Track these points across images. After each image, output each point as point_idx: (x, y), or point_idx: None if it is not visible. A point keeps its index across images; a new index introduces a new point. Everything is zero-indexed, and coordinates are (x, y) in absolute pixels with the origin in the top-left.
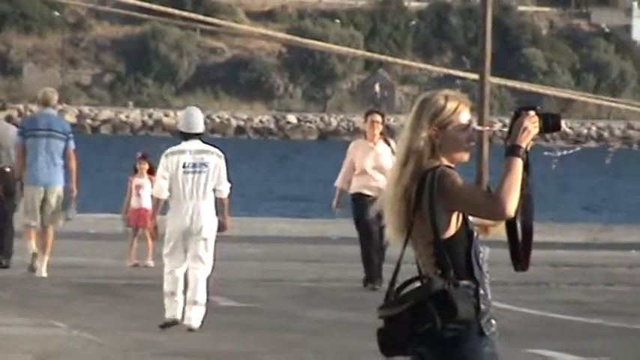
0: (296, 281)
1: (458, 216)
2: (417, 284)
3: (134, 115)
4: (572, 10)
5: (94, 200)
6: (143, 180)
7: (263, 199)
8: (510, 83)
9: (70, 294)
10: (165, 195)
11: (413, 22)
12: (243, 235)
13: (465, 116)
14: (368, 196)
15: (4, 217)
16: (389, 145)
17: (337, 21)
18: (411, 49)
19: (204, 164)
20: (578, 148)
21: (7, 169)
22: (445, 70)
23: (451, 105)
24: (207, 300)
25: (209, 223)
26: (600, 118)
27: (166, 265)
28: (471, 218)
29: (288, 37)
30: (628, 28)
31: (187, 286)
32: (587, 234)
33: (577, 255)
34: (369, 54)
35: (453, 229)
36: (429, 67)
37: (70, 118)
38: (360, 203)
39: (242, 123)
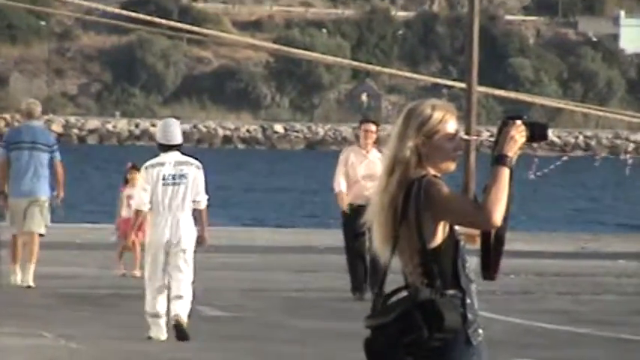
0: (282, 291)
1: (444, 225)
2: (404, 294)
3: (121, 125)
4: (559, 19)
5: (80, 210)
6: (133, 190)
7: (249, 209)
8: (497, 92)
9: (56, 304)
10: (146, 207)
11: (400, 32)
12: (230, 244)
13: (451, 126)
14: (359, 205)
15: None
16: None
17: (324, 30)
18: (398, 58)
19: (183, 176)
20: (565, 158)
21: None
22: (432, 80)
23: (438, 114)
24: (192, 300)
25: (188, 235)
26: (588, 127)
27: (146, 278)
28: (457, 227)
29: (275, 46)
30: (615, 37)
31: (170, 291)
32: (575, 243)
33: (565, 264)
34: (356, 63)
35: (439, 239)
36: (415, 76)
37: (57, 128)
38: (350, 212)
39: (229, 133)
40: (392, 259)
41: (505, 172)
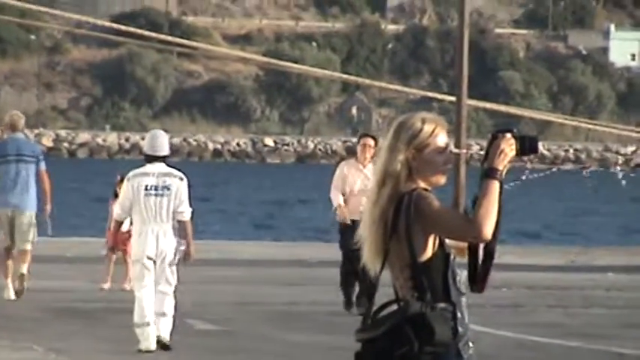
0: (272, 304)
1: (435, 239)
2: (394, 307)
3: (111, 138)
4: (549, 32)
5: (70, 224)
6: None
7: (238, 222)
8: (488, 105)
9: (46, 317)
10: (123, 217)
11: (390, 45)
12: (220, 258)
13: (442, 139)
14: (354, 220)
15: None
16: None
17: (314, 44)
18: (388, 71)
19: (167, 187)
20: (554, 169)
21: None
22: (422, 93)
23: (428, 128)
24: (174, 315)
25: (171, 247)
26: (578, 141)
27: (135, 289)
28: (447, 241)
29: (265, 59)
30: (605, 51)
31: (155, 301)
32: (565, 256)
33: (554, 277)
34: (345, 77)
35: (429, 252)
36: (406, 89)
37: (47, 141)
38: (346, 227)
39: (219, 146)
40: (382, 272)
41: (495, 186)
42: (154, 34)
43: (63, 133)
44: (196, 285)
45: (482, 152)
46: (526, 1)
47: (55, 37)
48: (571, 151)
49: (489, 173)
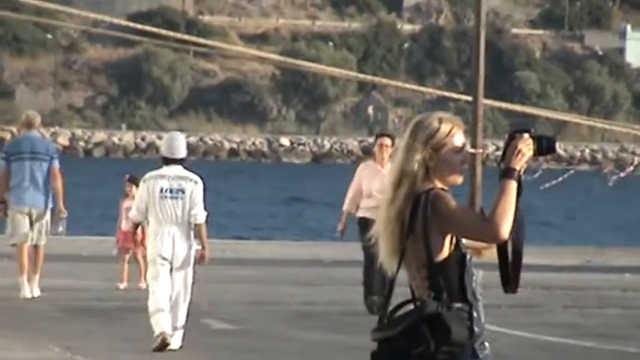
0: (288, 304)
1: (451, 239)
2: (411, 307)
3: (127, 137)
4: (565, 32)
5: (86, 222)
6: (132, 202)
7: (254, 221)
8: (504, 105)
9: (62, 316)
10: (140, 219)
11: (406, 45)
12: (236, 257)
13: (458, 139)
14: (375, 220)
15: None
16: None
17: (330, 44)
18: (405, 71)
19: (182, 190)
20: (571, 172)
21: None
22: (438, 93)
23: (445, 127)
24: (187, 321)
25: (187, 250)
26: (594, 141)
27: (150, 287)
28: (464, 241)
29: (281, 58)
30: (621, 51)
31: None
32: (581, 257)
33: (570, 278)
34: (362, 76)
35: (446, 252)
36: (422, 89)
37: (63, 140)
38: (366, 228)
39: (235, 146)
40: (398, 272)
41: (512, 186)
42: (170, 33)
43: (79, 132)
44: (212, 284)
45: (498, 152)
46: (542, 2)
47: (71, 36)
48: (587, 151)
49: (507, 173)
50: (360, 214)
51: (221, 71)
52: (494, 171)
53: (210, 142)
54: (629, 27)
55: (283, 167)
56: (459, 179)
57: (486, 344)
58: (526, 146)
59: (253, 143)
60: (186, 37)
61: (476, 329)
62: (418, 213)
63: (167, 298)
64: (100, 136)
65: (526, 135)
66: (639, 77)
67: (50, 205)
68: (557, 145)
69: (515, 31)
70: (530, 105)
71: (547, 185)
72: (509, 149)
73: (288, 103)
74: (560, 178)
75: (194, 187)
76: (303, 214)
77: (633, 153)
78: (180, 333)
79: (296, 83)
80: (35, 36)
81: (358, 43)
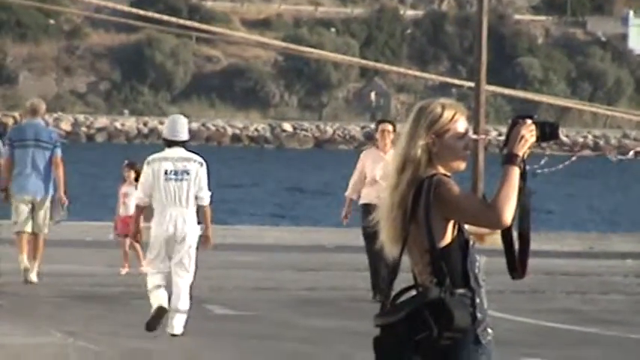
0: (291, 290)
1: (454, 224)
2: (413, 293)
3: (129, 123)
4: (567, 18)
5: (89, 208)
6: (130, 188)
7: (258, 207)
8: (506, 91)
9: (64, 302)
10: (146, 202)
11: (409, 31)
12: (238, 243)
13: (461, 125)
14: (376, 206)
15: None
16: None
17: (333, 29)
18: (407, 57)
19: (186, 172)
20: (573, 158)
21: None
22: (441, 79)
23: (448, 113)
24: (190, 307)
25: (191, 231)
26: (596, 127)
27: (150, 269)
28: (466, 227)
29: (284, 44)
30: (624, 37)
31: (170, 294)
32: (583, 243)
33: (573, 264)
34: (364, 62)
35: (449, 238)
36: (425, 75)
37: (65, 126)
38: (369, 214)
39: (238, 131)
40: (401, 258)
41: (515, 172)
42: (173, 19)
43: (81, 117)
44: (214, 270)
45: (500, 138)
46: None
47: (74, 21)
48: (589, 137)
49: (509, 159)
50: (363, 200)
51: (224, 57)
52: (497, 157)
53: (213, 128)
54: (631, 13)
55: (286, 153)
56: (462, 165)
57: (489, 330)
58: (529, 132)
59: (256, 129)
60: (188, 22)
61: (478, 315)
62: (421, 199)
63: (165, 277)
64: (102, 121)
65: (529, 121)
66: None
67: (51, 193)
68: (560, 131)
69: (517, 17)
70: (532, 91)
71: (546, 170)
72: (512, 135)
73: (290, 89)
74: (560, 165)
75: (199, 169)
76: (304, 201)
77: (635, 139)
78: (183, 317)
79: (298, 69)
80: (38, 21)
81: (360, 28)
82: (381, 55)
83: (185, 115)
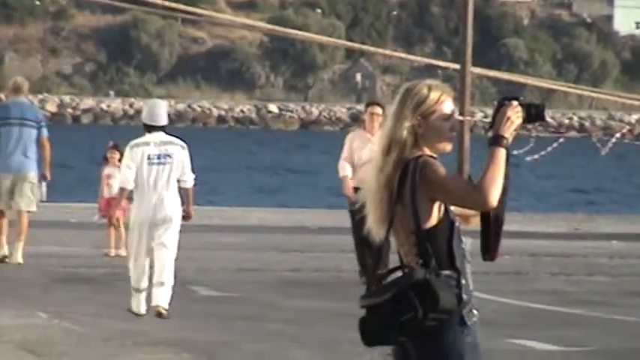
0: (276, 271)
1: (440, 206)
2: (399, 274)
3: (115, 104)
4: (553, 0)
5: (74, 189)
6: (113, 169)
7: (241, 188)
8: (491, 73)
9: (50, 283)
10: (130, 185)
11: (394, 12)
12: (223, 224)
13: (448, 106)
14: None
15: None
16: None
17: (318, 10)
18: (393, 39)
19: (168, 155)
20: (561, 140)
21: None
22: (426, 61)
23: (434, 95)
24: (175, 286)
25: (173, 213)
26: (582, 109)
27: (130, 257)
28: (452, 208)
29: (269, 26)
30: (609, 18)
31: (153, 270)
32: (569, 224)
33: (558, 245)
34: (350, 44)
35: (434, 219)
36: (410, 57)
37: (51, 107)
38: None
39: (223, 112)
40: (388, 239)
41: (501, 153)
42: (158, 1)
43: (67, 98)
44: (199, 251)
45: (486, 119)
46: None
47: (59, 2)
48: (575, 118)
49: (496, 140)
50: (353, 184)
51: (209, 38)
52: (482, 139)
53: (199, 109)
54: None
55: (271, 134)
56: (448, 146)
57: (474, 311)
58: (515, 114)
59: (241, 110)
60: (174, 4)
61: (464, 296)
62: (407, 180)
63: (147, 273)
64: (88, 102)
65: (515, 102)
66: (627, 45)
67: (36, 172)
68: (545, 112)
69: None
70: (518, 72)
71: (536, 157)
72: (498, 117)
73: (276, 70)
74: (549, 148)
75: (181, 152)
76: (289, 182)
77: (621, 121)
78: (168, 291)
79: (284, 50)
80: (23, 2)
81: (346, 10)
82: (367, 36)
83: (171, 97)
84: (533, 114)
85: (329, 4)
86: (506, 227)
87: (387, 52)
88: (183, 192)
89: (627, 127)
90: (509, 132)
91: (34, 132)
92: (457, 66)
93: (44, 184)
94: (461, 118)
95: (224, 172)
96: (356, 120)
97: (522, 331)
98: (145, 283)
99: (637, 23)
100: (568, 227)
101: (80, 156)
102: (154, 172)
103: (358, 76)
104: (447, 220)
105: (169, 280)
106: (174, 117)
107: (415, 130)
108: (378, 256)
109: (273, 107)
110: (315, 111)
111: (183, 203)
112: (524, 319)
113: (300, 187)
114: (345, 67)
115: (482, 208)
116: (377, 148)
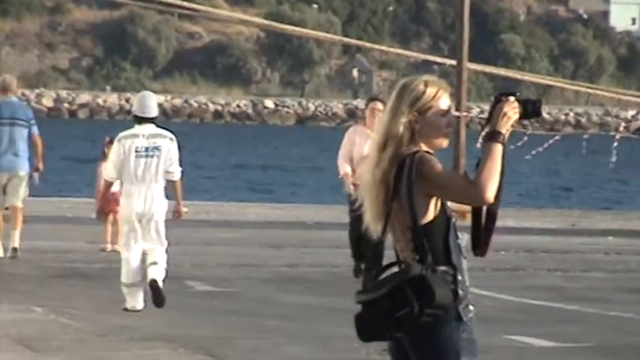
0: (272, 266)
1: (436, 201)
2: (395, 269)
3: (111, 99)
4: None
5: (71, 184)
6: None
7: (239, 183)
8: (488, 69)
9: (46, 278)
10: (115, 178)
11: (391, 8)
12: (219, 219)
13: (444, 102)
14: None
15: None
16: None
17: (315, 6)
18: (389, 34)
19: (157, 148)
20: (557, 137)
21: None
22: (423, 56)
23: (431, 90)
24: (168, 280)
25: (159, 207)
26: (578, 104)
27: (122, 252)
28: (449, 204)
29: (266, 22)
30: (606, 14)
31: (146, 257)
32: (565, 220)
33: (554, 241)
34: (346, 40)
35: (431, 215)
36: (406, 52)
37: (48, 102)
38: (354, 193)
39: (220, 108)
40: (384, 235)
41: (498, 149)
42: None
43: (64, 93)
44: (195, 246)
45: (482, 115)
46: None
47: None
48: (571, 114)
49: (492, 136)
50: (353, 180)
51: (206, 33)
52: (478, 134)
53: (195, 105)
54: None
55: (268, 129)
56: (444, 142)
57: (471, 307)
58: (512, 109)
59: (238, 105)
60: (171, 0)
61: (460, 292)
62: (403, 176)
63: (140, 268)
64: (84, 97)
65: (512, 98)
66: (623, 41)
67: (27, 170)
68: (542, 108)
69: None
70: (514, 68)
71: (533, 153)
72: (495, 112)
73: (272, 66)
74: (545, 144)
75: (170, 145)
76: (285, 178)
77: (617, 116)
78: (161, 269)
79: (280, 45)
80: None
81: (342, 5)
82: (364, 32)
83: (167, 92)
84: (530, 110)
85: (325, 0)
86: (502, 223)
87: (384, 47)
88: (170, 186)
89: (622, 126)
90: (505, 128)
91: (25, 131)
92: (453, 62)
93: (36, 174)
94: (457, 113)
95: (220, 167)
96: (352, 115)
97: (519, 328)
98: (138, 277)
99: (633, 19)
100: (564, 223)
101: (76, 151)
102: (142, 164)
103: (355, 72)
104: (444, 216)
105: (162, 261)
106: (171, 112)
107: (412, 126)
108: (375, 252)
109: (270, 102)
110: (311, 106)
111: (168, 197)
112: (520, 316)
113: (297, 182)
114: (342, 63)
115: (479, 203)
116: (373, 143)
